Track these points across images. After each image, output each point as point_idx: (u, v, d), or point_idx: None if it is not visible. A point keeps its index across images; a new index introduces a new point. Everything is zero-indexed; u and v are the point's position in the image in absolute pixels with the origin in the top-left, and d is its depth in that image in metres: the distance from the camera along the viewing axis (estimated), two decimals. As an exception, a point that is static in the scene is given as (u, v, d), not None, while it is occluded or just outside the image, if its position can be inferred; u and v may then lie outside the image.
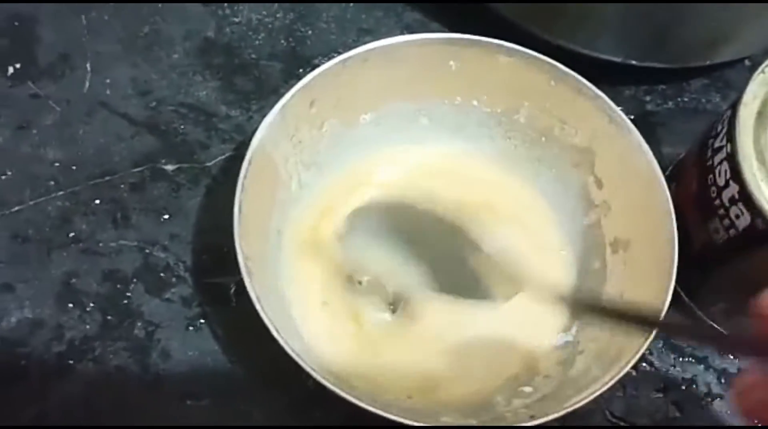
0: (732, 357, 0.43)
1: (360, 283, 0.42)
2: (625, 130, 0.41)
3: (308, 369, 0.34)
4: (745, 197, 0.36)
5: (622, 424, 0.41)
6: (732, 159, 0.37)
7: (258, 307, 0.35)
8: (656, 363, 0.43)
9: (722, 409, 0.43)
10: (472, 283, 0.39)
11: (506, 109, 0.44)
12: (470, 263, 0.39)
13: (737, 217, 0.37)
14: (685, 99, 0.51)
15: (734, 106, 0.38)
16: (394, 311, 0.42)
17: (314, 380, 0.34)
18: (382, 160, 0.46)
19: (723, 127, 0.39)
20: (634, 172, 0.41)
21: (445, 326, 0.41)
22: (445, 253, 0.40)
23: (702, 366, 0.43)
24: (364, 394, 0.38)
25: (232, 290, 0.43)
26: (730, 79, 0.52)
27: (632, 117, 0.49)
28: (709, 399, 0.43)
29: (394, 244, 0.41)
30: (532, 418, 0.34)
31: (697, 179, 0.41)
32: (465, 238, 0.39)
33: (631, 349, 0.36)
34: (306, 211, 0.44)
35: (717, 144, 0.39)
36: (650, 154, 0.40)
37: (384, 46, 0.42)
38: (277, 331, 0.34)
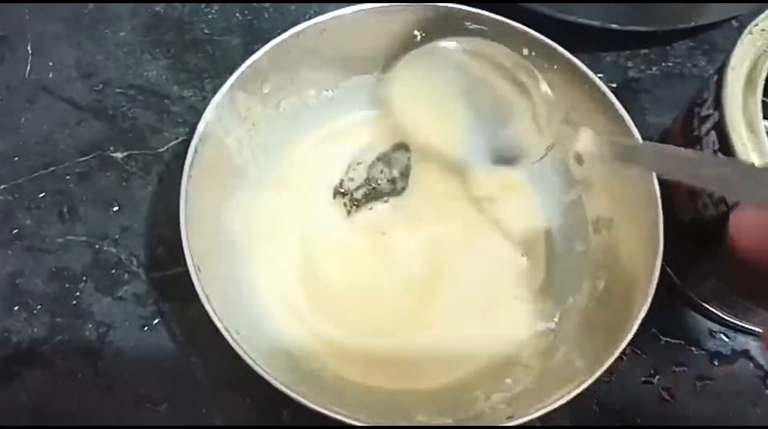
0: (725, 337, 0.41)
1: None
2: (604, 101, 0.38)
3: (269, 378, 0.31)
4: (735, 169, 0.33)
5: (610, 413, 0.39)
6: (720, 128, 0.34)
7: (208, 307, 0.32)
8: (645, 347, 0.40)
9: (714, 392, 0.40)
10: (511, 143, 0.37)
11: (476, 81, 0.41)
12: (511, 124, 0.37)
13: (727, 190, 0.34)
14: (670, 64, 0.48)
15: (721, 71, 0.35)
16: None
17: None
18: (343, 133, 0.43)
19: (710, 94, 0.36)
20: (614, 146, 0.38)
21: (424, 307, 0.39)
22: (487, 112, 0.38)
23: (692, 348, 0.41)
24: (331, 391, 0.36)
25: (188, 285, 0.40)
26: (717, 41, 0.49)
27: (614, 85, 0.47)
28: (701, 382, 0.40)
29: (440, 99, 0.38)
30: (509, 419, 0.32)
31: (683, 151, 0.38)
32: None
33: (615, 338, 0.34)
34: (265, 194, 0.41)
35: (704, 112, 0.36)
36: (632, 125, 0.37)
37: (341, 15, 0.39)
38: (229, 333, 0.32)
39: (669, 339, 0.41)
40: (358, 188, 0.42)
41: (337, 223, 0.41)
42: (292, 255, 0.40)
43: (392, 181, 0.42)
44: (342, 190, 0.42)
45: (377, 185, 0.42)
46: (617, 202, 0.38)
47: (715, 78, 0.36)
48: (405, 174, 0.43)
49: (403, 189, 0.42)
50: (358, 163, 0.42)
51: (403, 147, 0.43)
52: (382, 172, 0.42)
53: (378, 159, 0.43)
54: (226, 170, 0.38)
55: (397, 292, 0.39)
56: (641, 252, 0.36)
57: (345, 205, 0.42)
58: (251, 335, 0.34)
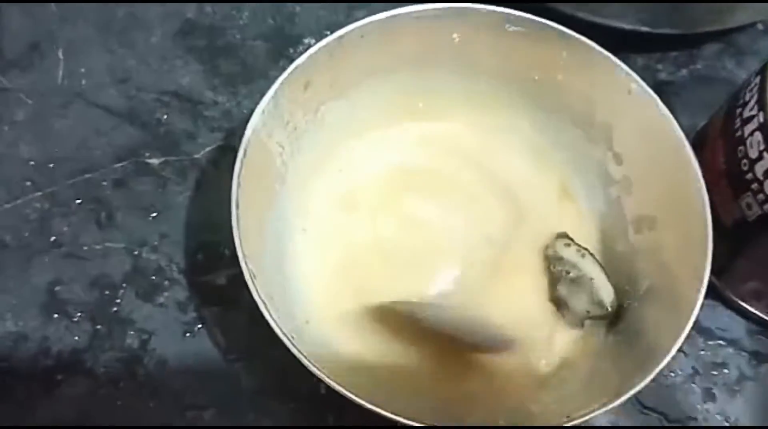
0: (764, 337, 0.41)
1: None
2: (645, 101, 0.38)
3: (322, 376, 0.31)
4: (782, 169, 0.34)
5: (653, 415, 0.39)
6: (766, 128, 0.34)
7: (265, 313, 0.32)
8: (684, 347, 0.41)
9: (755, 392, 0.40)
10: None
11: (515, 82, 0.41)
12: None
13: (773, 190, 0.35)
14: (698, 66, 0.49)
15: (763, 73, 0.36)
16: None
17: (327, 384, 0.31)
18: (383, 139, 0.43)
19: (753, 95, 0.36)
20: (657, 145, 0.38)
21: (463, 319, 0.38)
22: None
23: (732, 349, 0.41)
24: (381, 390, 0.36)
25: (230, 291, 0.40)
26: (743, 43, 0.50)
27: (648, 87, 0.47)
28: (741, 382, 0.40)
29: None
30: (568, 419, 0.32)
31: (724, 152, 0.38)
32: None
33: (664, 339, 0.34)
34: (307, 199, 0.41)
35: (747, 113, 0.36)
36: (676, 125, 0.37)
37: (381, 19, 0.38)
38: (287, 337, 0.31)
39: (708, 339, 0.41)
40: None
41: (382, 232, 0.40)
42: (339, 259, 0.39)
43: None
44: None
45: None
46: (659, 201, 0.38)
47: (758, 79, 0.36)
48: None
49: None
50: None
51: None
52: None
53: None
54: (269, 175, 0.38)
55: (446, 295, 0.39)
56: (687, 251, 0.36)
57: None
58: (299, 339, 0.34)
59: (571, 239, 0.40)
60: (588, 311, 0.38)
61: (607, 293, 0.38)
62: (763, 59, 0.37)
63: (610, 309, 0.38)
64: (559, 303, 0.39)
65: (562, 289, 0.39)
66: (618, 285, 0.38)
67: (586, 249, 0.39)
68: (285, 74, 0.37)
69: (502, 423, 0.34)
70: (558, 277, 0.39)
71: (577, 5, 0.45)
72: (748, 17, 0.47)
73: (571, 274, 0.39)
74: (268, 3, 0.48)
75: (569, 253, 0.39)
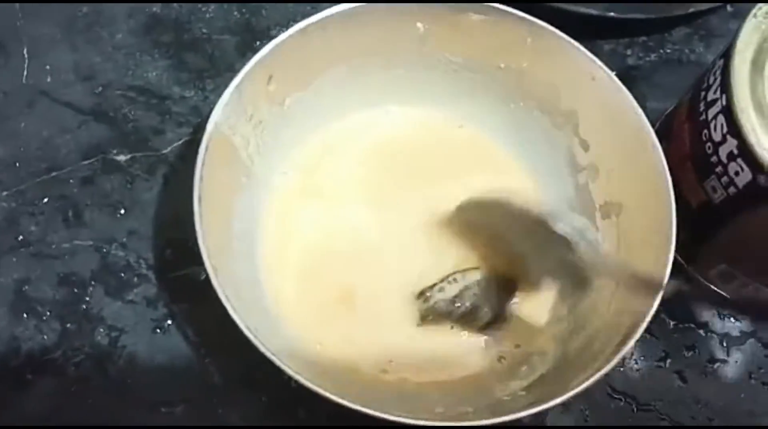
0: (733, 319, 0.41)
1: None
2: (610, 87, 0.38)
3: (291, 373, 0.31)
4: (745, 152, 0.34)
5: (625, 399, 0.39)
6: (728, 112, 0.34)
7: (228, 308, 0.32)
8: (655, 331, 0.41)
9: (726, 374, 0.40)
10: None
11: (480, 70, 0.41)
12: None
13: (737, 173, 0.35)
14: (668, 50, 0.48)
15: (726, 56, 0.36)
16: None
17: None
18: (350, 130, 0.43)
19: (716, 78, 0.36)
20: (622, 132, 0.38)
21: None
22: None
23: (702, 331, 0.41)
24: (350, 384, 0.36)
25: (199, 287, 0.40)
26: (713, 26, 0.49)
27: (614, 73, 0.47)
28: (713, 365, 0.41)
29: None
30: (532, 405, 0.32)
31: (689, 135, 0.38)
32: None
33: (632, 321, 0.34)
34: (274, 192, 0.41)
35: (711, 97, 0.36)
36: (640, 111, 0.37)
37: (344, 11, 0.38)
38: (251, 332, 0.31)
39: (678, 323, 0.41)
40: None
41: (352, 221, 0.41)
42: (304, 253, 0.39)
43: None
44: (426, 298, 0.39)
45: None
46: (626, 187, 0.38)
47: (721, 62, 0.36)
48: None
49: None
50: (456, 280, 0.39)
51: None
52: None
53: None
54: (234, 169, 0.38)
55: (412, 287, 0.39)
56: (653, 236, 0.36)
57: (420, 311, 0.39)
58: (268, 334, 0.34)
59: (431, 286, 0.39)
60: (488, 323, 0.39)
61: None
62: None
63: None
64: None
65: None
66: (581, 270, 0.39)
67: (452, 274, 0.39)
68: (246, 68, 0.36)
69: (470, 410, 0.34)
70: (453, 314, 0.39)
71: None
72: (716, -1, 0.47)
73: (462, 309, 0.38)
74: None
75: (451, 291, 0.39)
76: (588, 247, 0.36)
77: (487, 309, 0.39)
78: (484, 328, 0.39)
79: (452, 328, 0.39)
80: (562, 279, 0.39)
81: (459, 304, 0.38)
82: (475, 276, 0.39)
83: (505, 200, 0.38)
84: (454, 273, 0.39)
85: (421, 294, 0.39)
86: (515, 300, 0.39)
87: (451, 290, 0.39)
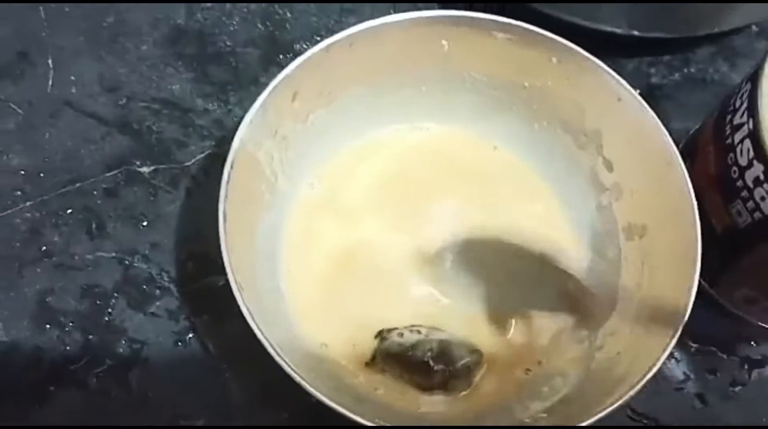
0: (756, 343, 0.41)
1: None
2: (635, 108, 0.38)
3: (313, 392, 0.31)
4: (772, 177, 0.33)
5: (644, 421, 0.39)
6: (755, 137, 0.34)
7: (253, 326, 0.32)
8: (676, 354, 0.41)
9: (747, 398, 0.40)
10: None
11: (505, 88, 0.41)
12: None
13: (762, 198, 0.34)
14: (692, 70, 0.48)
15: (753, 80, 0.35)
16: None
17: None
18: (374, 146, 0.43)
19: (742, 102, 0.36)
20: (647, 152, 0.38)
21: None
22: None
23: (724, 354, 0.41)
24: (373, 403, 0.36)
25: (221, 300, 0.40)
26: (738, 46, 0.49)
27: (637, 91, 0.47)
28: (734, 388, 0.40)
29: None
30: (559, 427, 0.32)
31: (715, 158, 0.38)
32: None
33: (655, 344, 0.34)
34: (298, 208, 0.41)
35: (737, 121, 0.36)
36: (665, 132, 0.37)
37: (369, 27, 0.38)
38: (274, 349, 0.31)
39: (700, 345, 0.41)
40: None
41: (374, 239, 0.41)
42: (327, 267, 0.39)
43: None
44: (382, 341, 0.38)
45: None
46: (650, 208, 0.38)
47: (748, 86, 0.36)
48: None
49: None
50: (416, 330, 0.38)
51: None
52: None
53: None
54: (258, 184, 0.38)
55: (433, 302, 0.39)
56: (677, 259, 0.36)
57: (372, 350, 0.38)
58: (290, 350, 0.34)
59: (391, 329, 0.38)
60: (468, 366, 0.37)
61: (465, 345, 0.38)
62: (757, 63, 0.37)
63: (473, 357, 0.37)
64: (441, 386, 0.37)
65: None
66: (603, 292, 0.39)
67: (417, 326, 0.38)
68: (272, 84, 0.37)
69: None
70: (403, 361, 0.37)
71: (570, 9, 0.45)
72: (742, 19, 0.47)
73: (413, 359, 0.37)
74: (259, 6, 0.48)
75: (410, 339, 0.37)
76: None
77: (441, 369, 0.37)
78: (433, 388, 0.37)
79: (401, 376, 0.37)
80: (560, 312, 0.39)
81: (411, 354, 0.37)
82: (441, 335, 0.38)
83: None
84: (421, 325, 0.38)
85: (379, 334, 0.38)
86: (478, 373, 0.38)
87: (410, 339, 0.37)
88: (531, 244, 0.39)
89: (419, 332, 0.38)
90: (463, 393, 0.37)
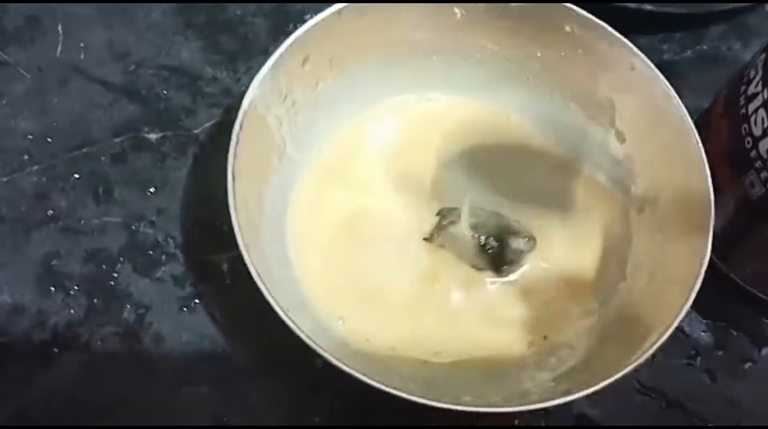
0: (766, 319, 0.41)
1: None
2: (650, 78, 0.38)
3: (321, 351, 0.30)
4: (787, 146, 0.33)
5: (652, 395, 0.39)
6: (770, 105, 0.34)
7: (261, 286, 0.31)
8: (686, 328, 0.40)
9: (756, 374, 0.40)
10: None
11: (517, 58, 0.41)
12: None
13: (777, 168, 0.34)
14: (705, 47, 0.48)
15: (768, 49, 0.35)
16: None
17: (323, 359, 0.31)
18: (384, 114, 0.42)
19: (757, 72, 0.35)
20: (660, 124, 0.38)
21: (464, 291, 0.39)
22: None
23: (734, 330, 0.41)
24: (378, 366, 0.35)
25: (227, 266, 0.40)
26: (751, 24, 0.49)
27: (652, 65, 0.46)
28: (744, 365, 0.40)
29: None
30: (564, 394, 0.31)
31: (728, 130, 0.37)
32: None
33: (664, 316, 0.33)
34: (306, 174, 0.40)
35: (751, 91, 0.36)
36: (679, 102, 0.37)
37: (381, -5, 0.38)
38: (284, 311, 0.31)
39: (710, 321, 0.41)
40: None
41: (381, 204, 0.40)
42: (333, 233, 0.39)
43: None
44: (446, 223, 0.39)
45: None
46: (662, 180, 0.38)
47: (763, 56, 0.35)
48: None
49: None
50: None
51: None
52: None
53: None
54: (267, 149, 0.38)
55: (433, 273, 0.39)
56: (689, 231, 0.35)
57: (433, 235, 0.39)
58: (296, 313, 0.34)
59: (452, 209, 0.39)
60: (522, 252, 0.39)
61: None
62: (769, 37, 0.37)
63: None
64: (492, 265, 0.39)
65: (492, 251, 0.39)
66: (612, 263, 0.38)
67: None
68: (283, 47, 0.36)
69: (498, 399, 0.34)
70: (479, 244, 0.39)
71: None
72: (756, -4, 0.46)
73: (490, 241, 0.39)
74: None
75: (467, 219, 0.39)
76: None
77: (493, 249, 0.39)
78: (486, 268, 0.39)
79: (458, 254, 0.39)
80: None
81: (467, 234, 0.39)
82: (499, 220, 0.39)
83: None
84: (482, 209, 0.39)
85: (440, 212, 0.39)
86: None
87: (469, 220, 0.39)
88: (545, 206, 0.39)
89: (478, 215, 0.39)
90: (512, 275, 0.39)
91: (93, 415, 0.37)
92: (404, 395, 0.30)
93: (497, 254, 0.38)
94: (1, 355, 0.37)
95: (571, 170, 0.41)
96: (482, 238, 0.38)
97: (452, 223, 0.39)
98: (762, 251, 0.38)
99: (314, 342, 0.31)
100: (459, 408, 0.31)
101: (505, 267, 0.39)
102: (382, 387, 0.30)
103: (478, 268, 0.39)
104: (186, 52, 0.45)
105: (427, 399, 0.31)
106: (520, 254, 0.39)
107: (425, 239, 0.39)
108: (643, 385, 0.39)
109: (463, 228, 0.38)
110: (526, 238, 0.39)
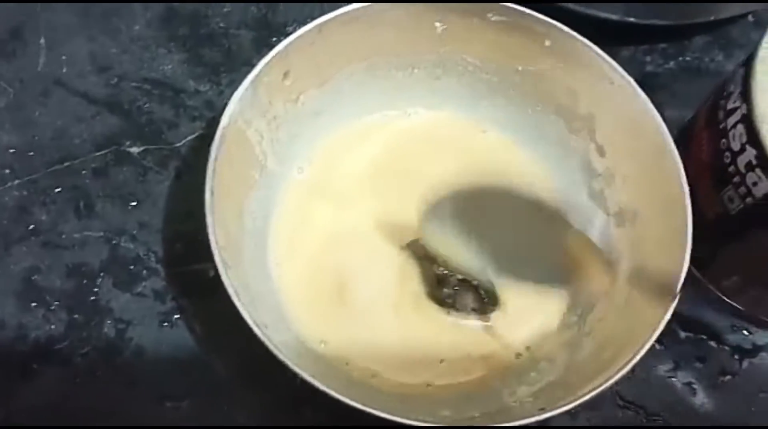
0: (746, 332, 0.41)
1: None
2: (628, 93, 0.38)
3: (297, 370, 0.30)
4: (764, 162, 0.33)
5: (632, 408, 0.39)
6: (748, 121, 0.34)
7: (237, 303, 0.31)
8: (666, 342, 0.40)
9: (737, 387, 0.40)
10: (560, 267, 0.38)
11: (498, 72, 0.41)
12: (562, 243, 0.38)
13: (755, 184, 0.34)
14: (687, 58, 0.48)
15: (748, 64, 0.35)
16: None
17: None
18: (365, 130, 0.42)
19: (736, 87, 0.36)
20: (639, 138, 0.38)
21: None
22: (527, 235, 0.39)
23: (714, 343, 0.41)
24: (358, 386, 0.35)
25: (209, 280, 0.39)
26: (733, 35, 0.49)
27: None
28: (724, 378, 0.40)
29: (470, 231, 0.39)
30: (542, 411, 0.31)
31: (708, 144, 0.37)
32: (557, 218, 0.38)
33: (643, 329, 0.33)
34: (289, 190, 0.40)
35: (730, 105, 0.36)
36: (658, 117, 0.37)
37: (362, 8, 0.38)
38: (259, 327, 0.31)
39: (690, 333, 0.41)
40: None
41: (363, 220, 0.40)
42: (315, 250, 0.39)
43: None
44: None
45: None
46: (642, 194, 0.38)
47: (742, 70, 0.35)
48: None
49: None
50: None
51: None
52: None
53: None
54: (247, 163, 0.38)
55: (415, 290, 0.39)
56: (668, 245, 0.35)
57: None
58: (276, 331, 0.34)
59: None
60: (474, 309, 0.39)
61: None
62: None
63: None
64: (441, 302, 0.39)
65: (447, 290, 0.39)
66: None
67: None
68: (263, 62, 0.36)
69: (477, 415, 0.34)
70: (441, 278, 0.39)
71: (566, -4, 0.45)
72: (739, 8, 0.46)
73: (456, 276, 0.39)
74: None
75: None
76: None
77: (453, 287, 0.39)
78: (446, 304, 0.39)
79: (449, 313, 0.39)
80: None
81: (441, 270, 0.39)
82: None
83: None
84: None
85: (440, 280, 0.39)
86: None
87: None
88: (527, 217, 0.39)
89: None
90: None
91: (73, 431, 0.37)
92: (384, 415, 0.31)
93: (448, 297, 0.39)
94: (-19, 369, 0.37)
95: (550, 183, 0.41)
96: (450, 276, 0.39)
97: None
98: (740, 264, 0.39)
99: (290, 360, 0.31)
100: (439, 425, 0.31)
101: (452, 311, 0.39)
102: (361, 407, 0.30)
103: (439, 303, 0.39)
104: (169, 64, 0.45)
105: (409, 419, 0.31)
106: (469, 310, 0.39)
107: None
108: (624, 399, 0.39)
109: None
110: (485, 299, 0.39)
